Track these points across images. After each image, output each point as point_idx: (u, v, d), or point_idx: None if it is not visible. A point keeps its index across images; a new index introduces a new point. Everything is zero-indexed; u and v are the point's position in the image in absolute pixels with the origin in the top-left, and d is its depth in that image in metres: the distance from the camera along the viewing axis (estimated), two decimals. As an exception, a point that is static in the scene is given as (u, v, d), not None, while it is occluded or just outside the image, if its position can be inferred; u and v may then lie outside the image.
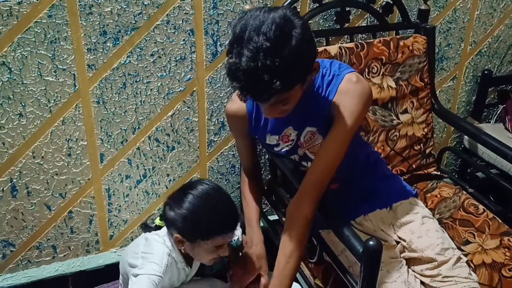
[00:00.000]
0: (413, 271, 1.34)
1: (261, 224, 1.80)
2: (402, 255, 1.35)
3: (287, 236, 1.27)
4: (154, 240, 1.42)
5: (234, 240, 1.49)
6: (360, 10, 1.81)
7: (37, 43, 1.47)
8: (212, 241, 1.33)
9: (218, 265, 1.54)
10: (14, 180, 1.61)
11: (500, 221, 1.55)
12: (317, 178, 1.27)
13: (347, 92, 1.25)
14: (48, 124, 1.58)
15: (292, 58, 1.06)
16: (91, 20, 1.50)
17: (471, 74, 2.17)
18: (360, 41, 1.72)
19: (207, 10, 1.61)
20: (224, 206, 1.36)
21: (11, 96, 1.51)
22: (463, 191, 1.69)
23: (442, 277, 1.30)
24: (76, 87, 1.56)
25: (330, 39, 1.73)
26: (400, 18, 1.83)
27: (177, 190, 1.42)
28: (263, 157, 1.87)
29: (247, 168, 1.56)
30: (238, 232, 1.53)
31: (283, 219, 1.53)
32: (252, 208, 1.53)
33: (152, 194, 1.81)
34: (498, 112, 2.23)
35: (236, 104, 1.39)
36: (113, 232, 1.81)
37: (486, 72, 2.13)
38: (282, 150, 1.41)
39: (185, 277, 1.48)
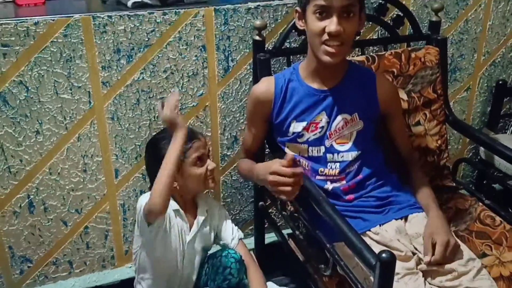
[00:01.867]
0: (429, 283, 1.32)
1: (275, 238, 1.80)
2: (419, 267, 1.34)
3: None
4: None
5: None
6: (371, 23, 1.82)
7: (53, 62, 1.51)
8: (191, 158, 1.48)
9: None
10: (31, 197, 1.64)
11: (517, 232, 1.52)
12: (411, 148, 1.63)
13: (393, 91, 1.53)
14: (64, 140, 1.61)
15: None
16: (105, 38, 1.53)
17: (486, 84, 2.15)
18: (371, 53, 1.72)
19: (219, 26, 1.64)
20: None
21: (28, 114, 1.54)
22: (479, 203, 1.67)
23: None
24: (91, 104, 1.59)
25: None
26: (411, 30, 1.83)
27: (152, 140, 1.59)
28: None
29: (249, 156, 1.57)
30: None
31: (297, 232, 1.52)
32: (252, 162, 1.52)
33: (167, 209, 1.82)
34: (514, 123, 2.21)
35: (265, 86, 1.47)
36: (128, 247, 1.82)
37: (500, 82, 2.11)
38: (309, 140, 1.43)
39: (187, 235, 1.53)
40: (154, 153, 1.51)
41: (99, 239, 1.77)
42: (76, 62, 1.53)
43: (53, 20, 1.47)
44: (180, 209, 1.52)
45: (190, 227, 1.55)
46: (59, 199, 1.67)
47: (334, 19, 1.29)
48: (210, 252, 1.64)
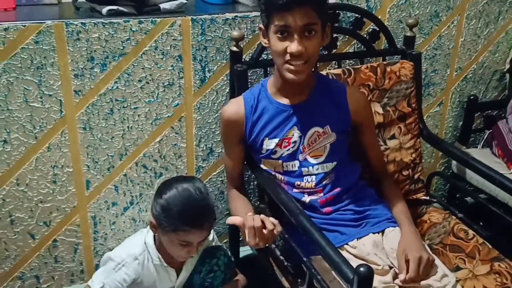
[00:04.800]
0: (406, 298, 1.32)
1: (251, 251, 1.78)
2: (395, 281, 1.34)
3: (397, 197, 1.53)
4: (139, 232, 1.60)
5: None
6: (347, 36, 1.84)
7: (23, 69, 1.46)
8: (177, 235, 1.41)
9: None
10: (-3, 208, 1.58)
11: (490, 246, 1.54)
12: (383, 161, 1.63)
13: (364, 101, 1.52)
14: (33, 150, 1.55)
15: None
16: (79, 46, 1.49)
17: (457, 99, 2.19)
18: (347, 67, 1.73)
19: (195, 36, 1.62)
20: (196, 205, 1.42)
21: (-4, 123, 1.49)
22: (453, 216, 1.68)
23: None
24: (63, 113, 1.55)
25: (318, 65, 1.75)
26: (387, 45, 1.85)
27: (170, 179, 1.52)
28: (251, 183, 1.86)
29: (235, 183, 1.53)
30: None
31: (273, 246, 1.50)
32: (242, 202, 1.49)
33: (139, 221, 1.78)
34: (485, 137, 2.25)
35: (234, 107, 1.45)
36: (98, 261, 1.76)
37: (472, 97, 2.15)
38: (283, 156, 1.42)
39: (170, 283, 1.51)
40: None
41: (68, 252, 1.72)
42: (47, 70, 1.49)
43: (24, 26, 1.42)
44: (163, 263, 1.51)
45: (178, 272, 1.54)
46: (26, 211, 1.61)
47: (295, 39, 1.28)
48: None
